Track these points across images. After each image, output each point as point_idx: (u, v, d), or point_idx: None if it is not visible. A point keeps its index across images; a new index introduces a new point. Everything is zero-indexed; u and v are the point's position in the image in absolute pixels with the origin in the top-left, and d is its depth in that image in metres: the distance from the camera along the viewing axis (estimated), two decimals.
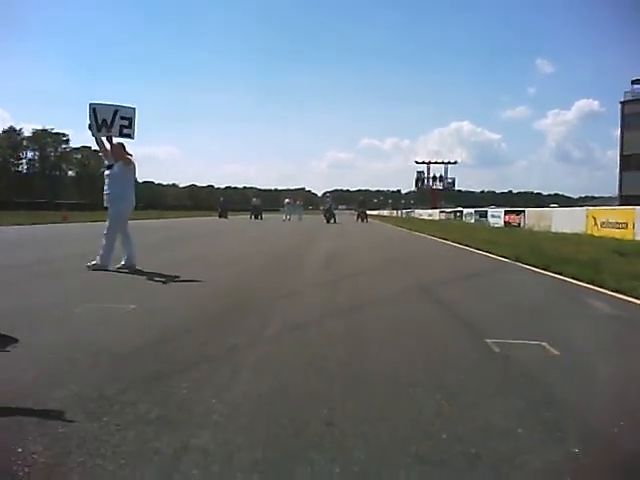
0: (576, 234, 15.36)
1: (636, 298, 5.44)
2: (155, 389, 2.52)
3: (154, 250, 10.64)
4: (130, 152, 7.24)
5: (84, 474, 1.72)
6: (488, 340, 3.58)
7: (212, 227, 23.08)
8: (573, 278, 6.85)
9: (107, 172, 7.16)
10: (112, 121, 7.14)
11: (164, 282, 6.03)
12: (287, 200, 39.72)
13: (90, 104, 7.19)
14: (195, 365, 2.90)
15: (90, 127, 7.17)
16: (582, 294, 5.90)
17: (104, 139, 7.24)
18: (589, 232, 16.12)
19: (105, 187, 7.13)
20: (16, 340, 3.21)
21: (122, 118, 7.20)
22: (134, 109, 7.37)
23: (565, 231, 16.42)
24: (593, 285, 6.30)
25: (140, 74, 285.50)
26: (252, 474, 1.76)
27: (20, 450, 1.85)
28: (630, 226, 14.60)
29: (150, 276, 6.42)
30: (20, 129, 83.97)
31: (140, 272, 6.76)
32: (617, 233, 14.63)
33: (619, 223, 15.22)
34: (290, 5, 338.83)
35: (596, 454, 2.00)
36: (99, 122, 7.13)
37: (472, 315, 4.62)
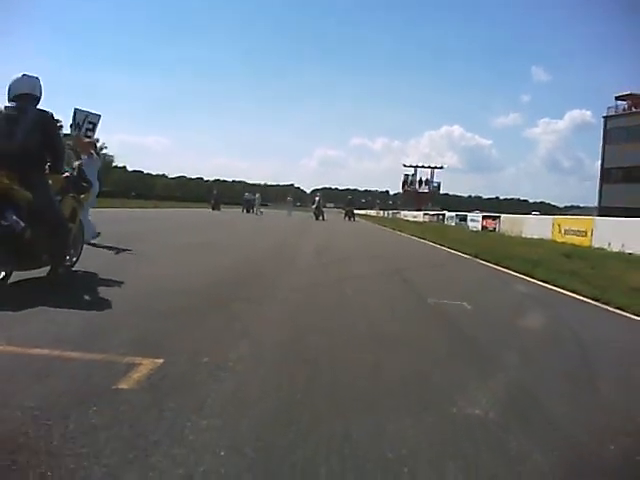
0: (541, 239, 17.17)
1: (554, 285, 7.17)
2: (215, 308, 4.23)
3: (165, 236, 12.29)
4: (97, 149, 9.56)
5: (195, 332, 3.36)
6: (429, 300, 5.31)
7: (209, 218, 24.57)
8: (514, 271, 8.61)
9: (76, 163, 8.80)
10: (82, 123, 9.52)
11: (184, 259, 7.58)
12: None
13: (74, 109, 9.57)
14: (233, 302, 4.56)
15: (71, 126, 9.52)
16: (513, 281, 7.67)
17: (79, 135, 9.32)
18: (554, 238, 17.89)
19: None
20: (122, 282, 4.88)
21: (89, 122, 9.62)
22: (99, 115, 9.85)
23: (534, 236, 18.23)
24: (527, 276, 8.04)
25: (131, 64, 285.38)
26: (283, 340, 3.43)
27: (149, 325, 3.52)
28: (589, 234, 16.27)
29: (163, 256, 7.92)
30: None
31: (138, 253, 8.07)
32: (577, 240, 16.25)
33: (580, 231, 16.86)
34: (283, 3, 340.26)
35: (469, 344, 3.70)
36: (76, 122, 9.49)
37: (424, 287, 6.41)
